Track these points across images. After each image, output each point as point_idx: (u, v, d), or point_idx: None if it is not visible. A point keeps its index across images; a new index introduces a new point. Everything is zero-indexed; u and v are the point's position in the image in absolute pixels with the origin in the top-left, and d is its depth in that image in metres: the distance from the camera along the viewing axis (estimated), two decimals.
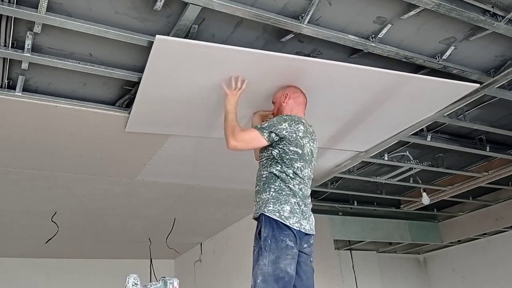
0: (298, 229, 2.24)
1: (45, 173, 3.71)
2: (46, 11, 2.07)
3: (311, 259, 2.41)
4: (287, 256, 2.18)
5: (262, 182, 2.35)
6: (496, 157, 4.45)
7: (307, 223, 2.32)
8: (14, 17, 2.15)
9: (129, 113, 2.93)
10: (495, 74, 2.93)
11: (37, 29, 2.19)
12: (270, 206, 2.24)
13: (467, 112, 3.55)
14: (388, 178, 4.69)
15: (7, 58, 2.41)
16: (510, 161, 4.44)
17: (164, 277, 2.11)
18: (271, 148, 2.38)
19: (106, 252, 6.26)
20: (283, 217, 2.22)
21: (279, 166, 2.33)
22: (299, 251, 2.28)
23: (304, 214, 2.31)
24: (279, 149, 2.35)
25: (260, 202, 2.30)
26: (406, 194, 5.45)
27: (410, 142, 3.85)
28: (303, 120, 2.45)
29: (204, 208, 4.91)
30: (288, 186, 2.29)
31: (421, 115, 3.31)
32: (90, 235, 5.51)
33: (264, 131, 2.35)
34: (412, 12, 2.33)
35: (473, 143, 4.08)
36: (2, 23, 2.20)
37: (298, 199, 2.29)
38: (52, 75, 2.61)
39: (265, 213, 2.23)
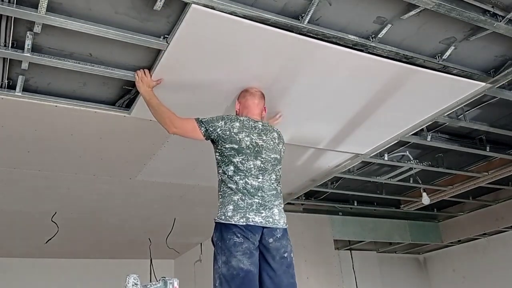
0: (244, 223, 2.25)
1: (45, 173, 3.71)
2: (46, 11, 2.07)
3: (284, 254, 2.35)
4: (237, 253, 2.19)
5: (218, 186, 2.44)
6: (496, 157, 4.46)
7: (259, 216, 2.29)
8: (14, 17, 2.14)
9: (129, 113, 2.94)
10: (495, 74, 2.93)
11: (37, 29, 2.19)
12: (218, 212, 2.33)
13: (467, 112, 3.55)
14: (388, 178, 4.69)
15: (7, 58, 2.41)
16: (510, 161, 4.44)
17: (164, 277, 2.12)
18: (215, 152, 2.47)
19: (106, 252, 6.26)
20: (227, 217, 2.27)
21: (221, 168, 2.42)
22: (264, 246, 2.29)
23: (251, 206, 2.30)
24: (218, 150, 2.44)
25: (217, 210, 2.38)
26: (406, 194, 5.46)
27: (410, 142, 3.85)
28: (242, 118, 2.51)
29: (204, 208, 4.91)
30: (228, 186, 2.34)
31: (424, 114, 3.31)
32: (90, 235, 5.51)
33: (202, 125, 2.44)
34: (412, 12, 2.33)
35: (473, 143, 4.08)
36: (2, 23, 2.20)
37: (241, 194, 2.31)
38: (52, 75, 2.61)
39: (215, 220, 2.32)
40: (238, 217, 2.26)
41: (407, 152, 4.16)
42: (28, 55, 2.33)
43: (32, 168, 3.61)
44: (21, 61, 2.41)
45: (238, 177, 2.34)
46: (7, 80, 2.58)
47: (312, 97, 2.99)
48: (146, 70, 2.58)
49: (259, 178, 2.38)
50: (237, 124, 2.45)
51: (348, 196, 5.40)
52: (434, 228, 6.65)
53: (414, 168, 4.44)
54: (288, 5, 2.26)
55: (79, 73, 2.58)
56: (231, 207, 2.29)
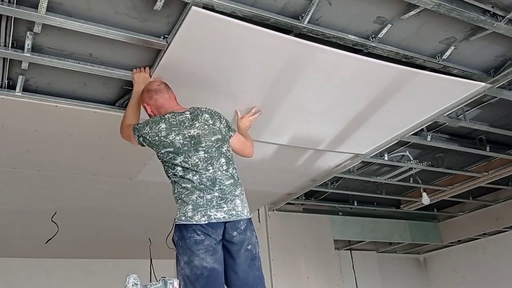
0: (206, 222, 2.15)
1: (45, 173, 3.70)
2: (46, 11, 2.07)
3: (248, 247, 2.24)
4: (199, 252, 2.10)
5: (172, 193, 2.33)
6: (496, 157, 4.45)
7: (221, 211, 2.19)
8: (14, 17, 2.14)
9: None
10: (495, 74, 2.93)
11: (37, 29, 2.18)
12: (177, 214, 2.22)
13: (467, 112, 3.55)
14: (388, 178, 4.69)
15: (7, 58, 2.41)
16: (510, 161, 4.44)
17: (164, 277, 2.11)
18: (157, 157, 2.37)
19: (106, 252, 6.25)
20: (187, 218, 2.16)
21: (169, 172, 2.31)
22: (227, 241, 2.20)
23: (211, 203, 2.19)
24: (159, 157, 2.33)
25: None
26: (406, 194, 5.45)
27: (410, 142, 3.85)
28: (166, 116, 2.34)
29: None
30: (183, 186, 2.23)
31: (424, 114, 3.31)
32: (90, 235, 5.50)
33: (135, 132, 2.36)
34: (412, 12, 2.33)
35: (473, 143, 4.08)
36: (2, 23, 2.20)
37: (199, 191, 2.20)
38: (52, 75, 2.61)
39: (175, 222, 2.22)
40: (198, 216, 2.16)
41: (407, 152, 4.16)
42: (28, 55, 2.33)
43: (32, 168, 3.61)
44: (21, 61, 2.41)
45: (190, 174, 2.23)
46: (7, 80, 2.57)
47: (312, 99, 2.99)
48: (147, 67, 2.57)
49: (210, 169, 2.25)
50: (163, 125, 2.29)
51: (348, 196, 5.40)
52: (434, 228, 6.65)
53: (414, 168, 4.44)
54: (288, 5, 2.26)
55: (79, 73, 2.58)
56: (190, 207, 2.18)
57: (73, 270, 6.26)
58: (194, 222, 2.15)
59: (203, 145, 2.30)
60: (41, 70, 2.55)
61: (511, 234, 6.11)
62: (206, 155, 2.28)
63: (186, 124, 2.33)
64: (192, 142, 2.29)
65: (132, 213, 4.91)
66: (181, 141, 2.28)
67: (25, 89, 2.65)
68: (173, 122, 2.31)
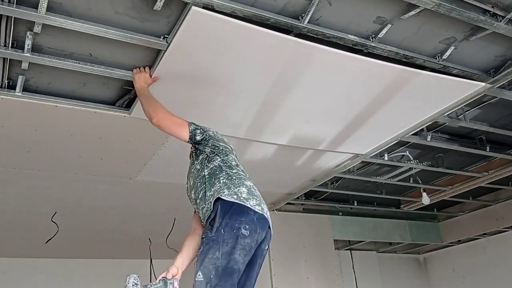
0: (260, 211, 2.01)
1: (45, 173, 3.71)
2: (46, 11, 2.07)
3: (264, 259, 2.15)
4: (241, 246, 1.93)
5: (206, 180, 2.16)
6: (496, 157, 4.46)
7: (267, 212, 2.09)
8: (14, 17, 2.14)
9: (129, 113, 2.94)
10: (495, 74, 2.93)
11: (37, 29, 2.19)
12: (223, 191, 2.04)
13: (467, 112, 3.55)
14: (388, 178, 4.69)
15: (7, 58, 2.41)
16: (510, 161, 4.44)
17: (165, 277, 2.09)
18: (204, 147, 2.28)
19: (106, 252, 6.25)
20: (242, 198, 2.00)
21: (219, 157, 2.22)
22: (259, 248, 2.05)
23: (262, 200, 2.11)
24: (210, 146, 2.27)
25: (211, 197, 2.08)
26: (406, 194, 5.46)
27: (410, 142, 3.85)
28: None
29: None
30: (235, 171, 2.16)
31: (424, 114, 3.32)
32: (90, 235, 5.50)
33: (192, 124, 2.30)
34: (412, 12, 2.33)
35: (473, 143, 4.08)
36: (2, 23, 2.20)
37: (252, 183, 2.16)
38: (52, 75, 2.61)
39: (223, 198, 2.01)
40: (253, 201, 2.00)
41: (407, 152, 4.16)
42: (28, 55, 2.33)
43: (32, 168, 3.61)
44: (21, 61, 2.41)
45: (240, 169, 2.22)
46: (7, 80, 2.58)
47: (312, 99, 2.99)
48: (147, 67, 2.57)
49: (249, 177, 2.25)
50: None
51: (348, 196, 5.40)
52: (434, 228, 6.65)
53: (414, 168, 4.44)
54: (288, 5, 2.26)
55: (79, 73, 2.58)
56: (244, 189, 2.04)
57: (73, 270, 6.26)
58: (249, 206, 1.98)
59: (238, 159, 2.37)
60: (41, 70, 2.55)
61: (511, 234, 6.11)
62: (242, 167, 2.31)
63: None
64: (235, 153, 2.36)
65: (132, 213, 4.91)
66: (232, 146, 2.37)
67: (25, 89, 2.65)
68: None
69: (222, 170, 2.16)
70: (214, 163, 2.21)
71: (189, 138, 2.28)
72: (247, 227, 1.94)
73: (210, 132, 2.32)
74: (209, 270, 1.89)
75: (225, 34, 2.31)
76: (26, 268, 6.03)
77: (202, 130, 2.30)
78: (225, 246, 1.91)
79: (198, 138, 2.27)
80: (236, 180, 2.10)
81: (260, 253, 2.08)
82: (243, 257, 1.94)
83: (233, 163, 2.24)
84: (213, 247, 1.92)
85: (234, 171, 2.17)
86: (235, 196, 2.01)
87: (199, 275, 1.90)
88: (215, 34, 2.30)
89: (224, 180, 2.10)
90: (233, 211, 1.97)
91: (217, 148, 2.28)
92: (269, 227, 2.09)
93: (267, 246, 2.11)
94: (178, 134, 2.30)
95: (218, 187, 2.08)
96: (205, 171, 2.19)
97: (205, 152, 2.28)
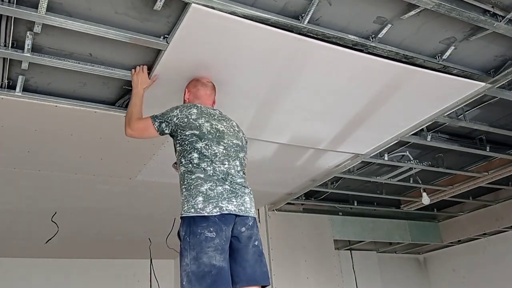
0: (219, 213, 2.10)
1: (45, 173, 3.71)
2: (46, 11, 2.07)
3: (255, 243, 2.21)
4: (208, 249, 2.03)
5: (179, 184, 2.26)
6: (496, 157, 4.46)
7: (231, 204, 2.16)
8: (14, 17, 2.14)
9: None
10: (495, 74, 2.93)
11: (37, 29, 2.19)
12: (184, 206, 2.16)
13: (467, 112, 3.55)
14: (388, 178, 4.69)
15: (7, 58, 2.41)
16: (510, 161, 4.44)
17: None
18: (175, 146, 2.33)
19: (106, 252, 6.25)
20: (198, 210, 2.10)
21: (184, 159, 2.25)
22: (235, 236, 2.15)
23: (222, 195, 2.16)
24: (179, 140, 2.30)
25: (181, 211, 2.19)
26: (406, 194, 5.46)
27: (410, 142, 3.85)
28: (199, 105, 2.40)
29: None
30: (196, 176, 2.18)
31: (424, 114, 3.32)
32: (90, 235, 5.51)
33: (156, 120, 2.33)
34: (412, 12, 2.33)
35: (473, 143, 4.08)
36: (2, 23, 2.20)
37: (211, 183, 2.16)
38: (52, 75, 2.61)
39: (182, 215, 2.15)
40: (210, 207, 2.10)
41: (407, 152, 4.16)
42: (28, 55, 2.33)
43: (32, 168, 3.61)
44: (21, 61, 2.41)
45: (205, 163, 2.20)
46: (7, 80, 2.58)
47: (312, 97, 2.99)
48: (145, 67, 2.56)
49: (225, 164, 2.25)
50: (194, 110, 2.34)
51: (348, 196, 5.40)
52: (434, 228, 6.65)
53: (414, 168, 4.44)
54: (288, 5, 2.26)
55: (79, 73, 2.58)
56: (200, 198, 2.12)
57: (73, 270, 6.26)
58: (205, 214, 2.09)
59: (225, 141, 2.33)
60: (41, 70, 2.55)
61: (511, 234, 6.11)
62: (224, 151, 2.30)
63: (216, 117, 2.40)
64: (217, 134, 2.32)
65: (132, 213, 4.91)
66: (208, 128, 2.31)
67: (25, 89, 2.65)
68: (204, 111, 2.38)
69: (184, 180, 2.22)
70: (181, 169, 2.27)
71: (161, 134, 2.36)
72: (211, 229, 2.07)
73: (175, 119, 2.30)
74: (181, 278, 2.04)
75: (224, 31, 2.31)
76: (26, 268, 6.03)
77: (166, 122, 2.32)
78: (192, 252, 2.05)
79: (167, 131, 2.33)
80: (194, 190, 2.16)
81: (240, 237, 2.17)
82: (218, 256, 2.05)
83: (195, 160, 2.22)
84: (182, 255, 2.08)
85: (193, 176, 2.19)
86: (192, 210, 2.12)
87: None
88: (215, 32, 2.30)
89: (185, 193, 2.19)
90: (193, 222, 2.10)
91: (184, 141, 2.28)
92: (236, 215, 2.16)
93: (243, 228, 2.18)
94: (151, 136, 2.41)
95: (181, 201, 2.19)
96: (179, 176, 2.29)
97: (177, 150, 2.34)
